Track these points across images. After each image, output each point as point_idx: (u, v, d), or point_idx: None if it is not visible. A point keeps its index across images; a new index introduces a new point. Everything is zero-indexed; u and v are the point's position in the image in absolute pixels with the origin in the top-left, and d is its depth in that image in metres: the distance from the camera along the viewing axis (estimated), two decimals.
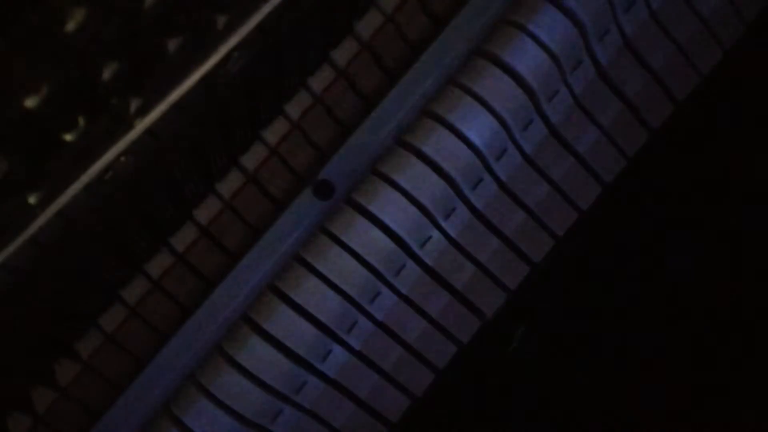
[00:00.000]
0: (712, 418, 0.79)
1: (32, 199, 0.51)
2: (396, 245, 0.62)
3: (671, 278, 0.83)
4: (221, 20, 0.54)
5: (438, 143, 0.62)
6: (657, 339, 0.82)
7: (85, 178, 0.52)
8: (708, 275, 0.82)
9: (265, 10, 0.54)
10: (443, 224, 0.64)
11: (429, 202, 0.62)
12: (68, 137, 0.51)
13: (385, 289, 0.63)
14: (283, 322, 0.61)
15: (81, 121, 0.52)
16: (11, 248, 0.51)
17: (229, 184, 0.64)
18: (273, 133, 0.65)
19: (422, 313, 0.65)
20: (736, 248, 0.82)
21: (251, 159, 0.65)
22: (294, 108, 0.65)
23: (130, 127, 0.53)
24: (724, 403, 0.79)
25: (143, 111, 0.53)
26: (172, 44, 0.53)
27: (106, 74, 0.52)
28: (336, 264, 0.61)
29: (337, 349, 0.62)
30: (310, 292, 0.61)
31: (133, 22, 0.52)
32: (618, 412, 0.81)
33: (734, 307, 0.82)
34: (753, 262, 0.82)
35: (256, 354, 0.60)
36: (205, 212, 0.64)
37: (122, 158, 0.53)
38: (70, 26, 0.51)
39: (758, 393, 0.78)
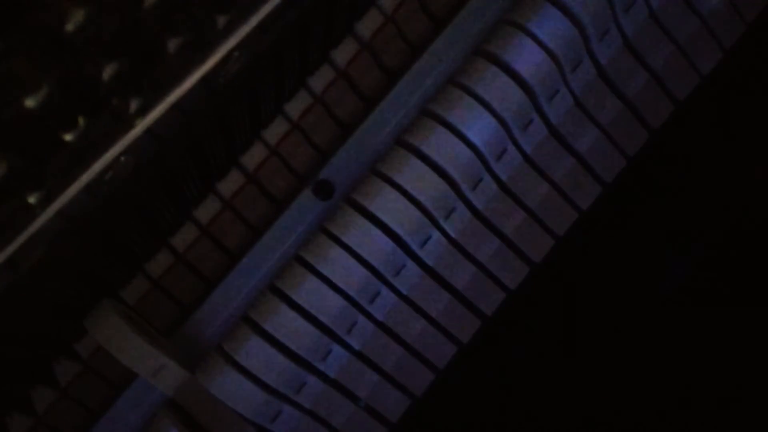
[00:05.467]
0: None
1: (32, 199, 0.51)
2: (396, 245, 0.62)
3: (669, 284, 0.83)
4: (221, 20, 0.54)
5: (438, 143, 0.62)
6: (655, 339, 0.82)
7: (85, 178, 0.52)
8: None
9: (265, 10, 0.54)
10: (443, 224, 0.64)
11: (429, 202, 0.62)
12: (68, 137, 0.51)
13: (385, 289, 0.63)
14: (283, 322, 0.61)
15: (81, 121, 0.52)
16: (11, 248, 0.51)
17: (229, 184, 0.64)
18: (273, 133, 0.65)
19: (422, 313, 0.65)
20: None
21: (251, 159, 0.65)
22: (294, 108, 0.65)
23: (130, 127, 0.53)
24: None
25: (143, 111, 0.53)
26: (172, 44, 0.53)
27: (106, 74, 0.52)
28: (336, 264, 0.62)
29: (337, 349, 0.62)
30: (310, 292, 0.61)
31: (133, 23, 0.52)
32: (619, 413, 0.81)
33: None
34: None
35: (256, 354, 0.60)
36: (205, 212, 0.64)
37: (122, 158, 0.53)
38: (70, 26, 0.51)
39: None
